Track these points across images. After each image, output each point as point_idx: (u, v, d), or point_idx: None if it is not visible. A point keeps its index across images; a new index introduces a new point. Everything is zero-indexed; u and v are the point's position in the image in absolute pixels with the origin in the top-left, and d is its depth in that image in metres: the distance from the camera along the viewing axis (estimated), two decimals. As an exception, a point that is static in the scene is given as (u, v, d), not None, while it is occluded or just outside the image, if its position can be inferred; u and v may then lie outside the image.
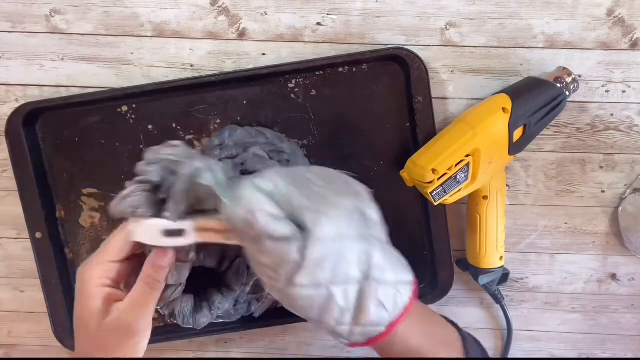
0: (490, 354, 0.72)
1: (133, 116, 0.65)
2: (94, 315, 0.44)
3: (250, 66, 0.64)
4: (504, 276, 0.66)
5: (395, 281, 0.43)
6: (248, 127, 0.63)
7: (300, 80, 0.64)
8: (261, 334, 0.73)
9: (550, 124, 0.65)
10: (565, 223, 0.68)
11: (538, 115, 0.58)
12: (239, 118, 0.64)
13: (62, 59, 0.65)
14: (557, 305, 0.70)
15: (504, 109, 0.57)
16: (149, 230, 0.46)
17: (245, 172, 0.57)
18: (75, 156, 0.66)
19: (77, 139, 0.65)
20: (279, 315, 0.65)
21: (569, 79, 0.60)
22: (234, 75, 0.62)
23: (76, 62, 0.65)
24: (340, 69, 0.63)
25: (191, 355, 0.74)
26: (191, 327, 0.53)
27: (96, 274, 0.46)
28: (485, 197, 0.61)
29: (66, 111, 0.64)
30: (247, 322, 0.66)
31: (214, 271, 0.55)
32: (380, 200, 0.66)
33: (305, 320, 0.46)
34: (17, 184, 0.65)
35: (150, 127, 0.65)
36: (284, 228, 0.40)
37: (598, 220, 0.68)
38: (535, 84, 0.59)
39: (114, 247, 0.47)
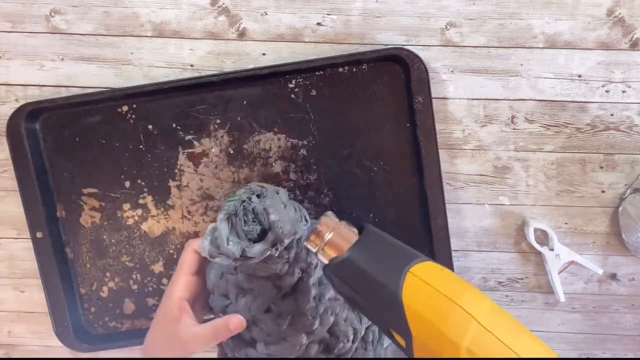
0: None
1: (133, 116, 0.65)
2: (170, 319, 0.52)
3: (250, 66, 0.64)
4: None
5: None
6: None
7: (300, 80, 0.64)
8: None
9: (551, 123, 0.65)
10: (565, 223, 0.68)
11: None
12: (239, 118, 0.64)
13: (62, 59, 0.65)
14: (557, 305, 0.70)
15: None
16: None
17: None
18: (75, 156, 0.66)
19: (77, 139, 0.65)
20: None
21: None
22: (234, 75, 0.62)
23: (76, 62, 0.65)
24: (340, 69, 0.63)
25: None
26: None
27: (178, 287, 0.53)
28: None
29: (66, 111, 0.64)
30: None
31: None
32: (381, 200, 0.66)
33: None
34: (18, 183, 0.65)
35: (150, 127, 0.65)
36: None
37: (598, 220, 0.68)
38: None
39: (187, 263, 0.54)
